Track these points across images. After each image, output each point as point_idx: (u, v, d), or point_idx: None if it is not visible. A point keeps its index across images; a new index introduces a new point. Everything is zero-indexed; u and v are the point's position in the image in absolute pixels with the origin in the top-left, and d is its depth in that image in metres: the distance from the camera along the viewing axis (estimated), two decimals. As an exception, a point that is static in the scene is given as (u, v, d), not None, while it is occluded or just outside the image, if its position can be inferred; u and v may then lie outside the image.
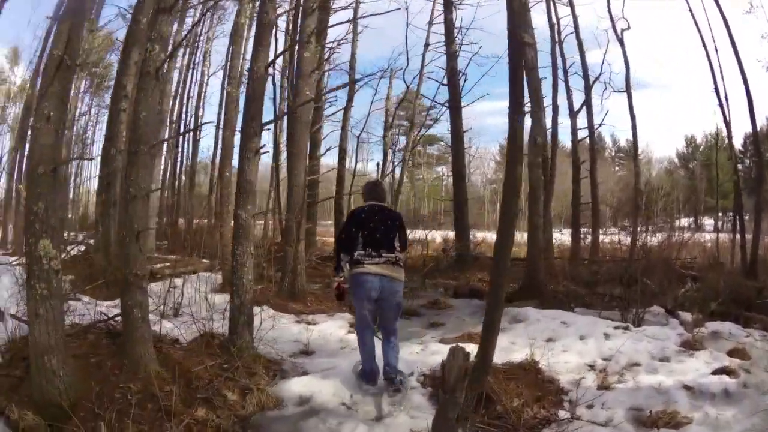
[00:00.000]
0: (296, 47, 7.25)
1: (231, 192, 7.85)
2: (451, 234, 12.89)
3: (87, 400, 3.09)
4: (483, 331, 3.15)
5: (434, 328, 5.88)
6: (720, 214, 43.02)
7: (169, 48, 4.71)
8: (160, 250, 12.34)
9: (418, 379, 3.89)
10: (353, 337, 4.73)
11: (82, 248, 9.40)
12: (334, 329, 5.41)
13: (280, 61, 10.35)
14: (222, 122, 11.73)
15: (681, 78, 65.36)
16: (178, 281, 6.45)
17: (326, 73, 11.85)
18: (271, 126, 8.11)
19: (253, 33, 17.25)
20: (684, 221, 36.56)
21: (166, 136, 15.73)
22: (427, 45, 6.54)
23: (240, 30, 9.40)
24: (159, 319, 4.79)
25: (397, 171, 6.12)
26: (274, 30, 7.14)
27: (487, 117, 64.39)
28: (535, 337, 4.64)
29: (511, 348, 4.47)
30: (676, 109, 56.89)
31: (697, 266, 10.47)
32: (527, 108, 8.36)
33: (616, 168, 47.79)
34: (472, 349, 4.61)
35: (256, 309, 6.06)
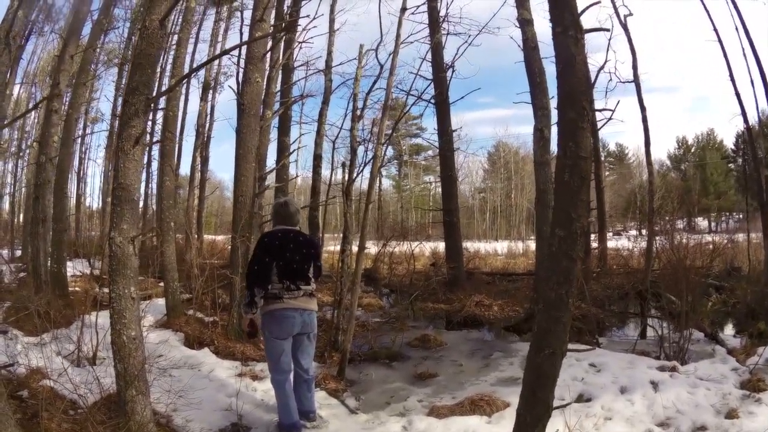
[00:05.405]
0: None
1: (173, 204, 6.49)
2: (441, 246, 11.32)
3: None
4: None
5: (422, 382, 4.43)
6: (714, 214, 42.75)
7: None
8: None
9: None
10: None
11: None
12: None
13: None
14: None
15: (668, 80, 65.45)
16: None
17: (297, 71, 10.48)
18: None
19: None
20: (679, 223, 35.67)
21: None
22: (404, 9, 5.22)
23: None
24: (67, 368, 3.48)
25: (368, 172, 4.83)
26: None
27: (476, 126, 63.16)
28: (563, 395, 3.33)
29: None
30: (665, 112, 56.39)
31: (713, 274, 9.31)
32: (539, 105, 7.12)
33: (606, 173, 46.96)
34: (475, 425, 3.35)
35: (197, 353, 4.79)
